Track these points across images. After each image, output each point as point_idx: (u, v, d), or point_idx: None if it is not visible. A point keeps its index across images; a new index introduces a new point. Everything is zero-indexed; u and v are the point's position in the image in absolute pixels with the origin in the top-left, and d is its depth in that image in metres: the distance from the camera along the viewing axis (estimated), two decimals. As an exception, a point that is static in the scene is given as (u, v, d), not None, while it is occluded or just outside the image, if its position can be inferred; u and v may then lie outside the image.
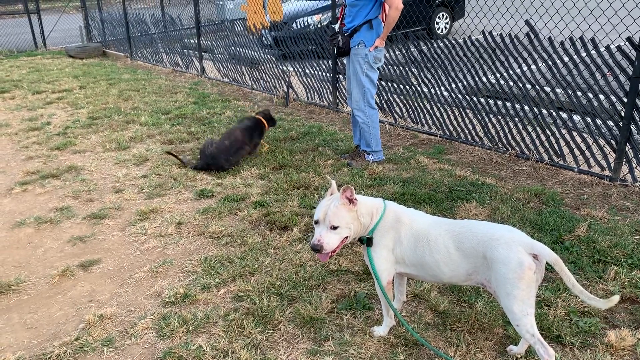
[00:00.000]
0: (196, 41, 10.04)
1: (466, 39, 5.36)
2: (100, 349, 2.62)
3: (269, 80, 8.42)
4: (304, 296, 2.92)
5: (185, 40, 10.95)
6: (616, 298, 2.15)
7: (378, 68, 4.83)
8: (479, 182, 4.50)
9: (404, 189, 4.29)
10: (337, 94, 7.15)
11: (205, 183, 4.73)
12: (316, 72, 7.46)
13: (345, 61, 5.07)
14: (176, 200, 4.38)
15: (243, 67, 8.95)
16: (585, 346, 2.48)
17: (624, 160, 4.35)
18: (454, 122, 5.66)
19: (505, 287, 2.15)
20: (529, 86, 4.94)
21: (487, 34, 5.11)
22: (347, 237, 2.39)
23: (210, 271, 3.23)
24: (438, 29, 12.04)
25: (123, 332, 2.74)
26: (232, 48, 9.21)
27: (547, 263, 2.18)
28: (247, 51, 8.89)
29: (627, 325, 2.61)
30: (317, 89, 7.53)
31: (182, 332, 2.69)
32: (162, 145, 5.85)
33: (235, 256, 3.39)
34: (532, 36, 4.72)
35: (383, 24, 4.66)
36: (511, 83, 5.08)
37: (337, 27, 4.91)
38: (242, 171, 4.96)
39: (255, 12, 8.29)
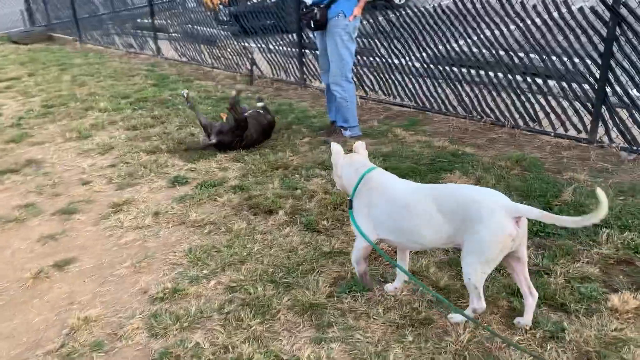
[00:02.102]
0: (150, 20, 9.60)
1: (436, 6, 5.26)
2: (89, 355, 2.44)
3: (230, 57, 8.14)
4: (300, 282, 2.81)
5: (138, 20, 10.46)
6: (604, 204, 2.02)
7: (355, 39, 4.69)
8: (459, 152, 4.46)
9: (385, 164, 4.20)
10: (304, 69, 6.96)
11: (177, 169, 4.51)
12: (281, 48, 7.24)
13: (316, 35, 4.88)
14: (149, 189, 4.16)
15: (201, 46, 8.61)
16: (590, 312, 2.46)
17: (600, 122, 4.38)
18: (427, 93, 5.58)
19: (480, 246, 2.19)
20: (502, 53, 4.90)
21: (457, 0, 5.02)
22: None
23: (197, 262, 3.07)
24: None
25: (112, 335, 2.57)
26: (188, 26, 8.85)
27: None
28: (203, 29, 8.55)
29: (627, 288, 2.61)
30: (283, 64, 7.32)
31: (176, 330, 2.54)
32: (126, 131, 5.56)
33: (222, 245, 3.23)
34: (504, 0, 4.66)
35: None
36: (484, 50, 5.03)
37: (308, 0, 4.65)
38: (215, 155, 4.76)
39: (212, -13, 7.95)
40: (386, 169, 3.51)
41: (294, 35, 6.94)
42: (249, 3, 8.99)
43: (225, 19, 8.74)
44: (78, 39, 11.98)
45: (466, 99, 5.28)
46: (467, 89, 5.26)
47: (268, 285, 2.80)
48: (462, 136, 4.93)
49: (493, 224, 2.14)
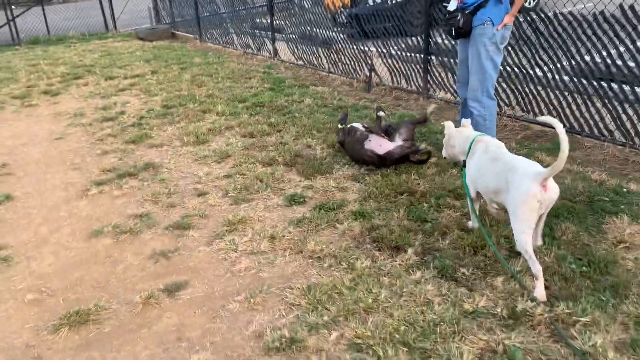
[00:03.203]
0: (268, 20, 9.51)
1: (597, 12, 4.50)
2: (196, 411, 2.16)
3: (347, 62, 7.77)
4: (439, 350, 2.34)
5: (257, 20, 10.45)
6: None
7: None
8: (623, 189, 3.73)
9: (532, 198, 3.59)
10: (429, 77, 6.42)
11: (293, 185, 4.21)
12: (403, 53, 6.74)
13: (458, 43, 4.36)
14: (265, 206, 3.89)
15: (319, 49, 8.33)
16: None
17: None
18: (576, 112, 4.83)
19: (513, 206, 2.69)
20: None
21: (625, 6, 4.25)
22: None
23: (317, 306, 2.70)
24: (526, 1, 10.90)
25: (221, 389, 2.27)
26: (305, 28, 8.60)
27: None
28: (321, 31, 8.26)
29: None
30: (405, 72, 6.82)
31: (294, 394, 2.18)
32: (243, 138, 5.38)
33: (343, 285, 2.84)
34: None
35: None
36: (657, 66, 4.22)
37: (451, 5, 4.16)
38: (333, 171, 4.40)
39: (334, -11, 7.61)
40: None
41: (419, 39, 6.40)
42: (370, 4, 8.58)
43: (344, 21, 8.39)
44: (198, 38, 12.28)
45: (627, 123, 4.48)
46: (630, 110, 4.46)
47: (400, 348, 2.36)
48: (621, 168, 4.17)
49: (522, 187, 2.62)
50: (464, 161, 3.23)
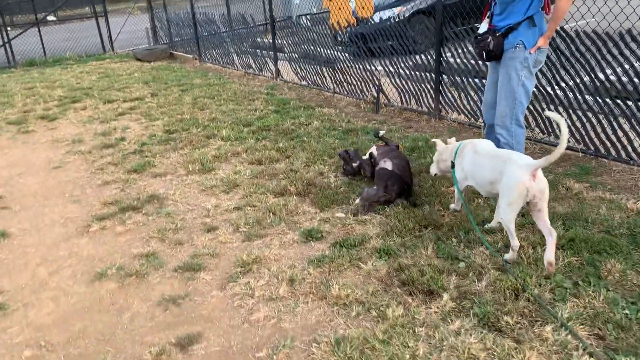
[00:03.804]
0: (270, 40, 9.31)
1: (623, 30, 4.30)
2: None
3: (354, 83, 7.56)
4: (494, 419, 2.07)
5: (258, 40, 10.26)
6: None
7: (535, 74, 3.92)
8: (664, 219, 3.49)
9: (570, 232, 3.33)
10: (441, 98, 6.20)
11: (309, 218, 3.95)
12: (412, 72, 6.53)
13: (489, 65, 4.12)
14: (280, 243, 3.62)
15: (323, 69, 8.12)
16: None
17: None
18: (602, 135, 4.61)
19: (503, 191, 3.04)
20: None
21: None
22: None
23: (349, 364, 2.43)
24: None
25: None
26: (307, 47, 8.38)
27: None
28: (320, 49, 8.04)
29: None
30: (414, 92, 6.61)
31: None
32: (251, 165, 5.13)
33: (375, 338, 2.57)
34: None
35: (545, 18, 3.73)
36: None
37: (482, 27, 3.95)
38: (350, 202, 4.14)
39: (340, 8, 7.43)
40: (572, 241, 3.25)
41: (430, 58, 6.19)
42: (371, 23, 8.39)
43: (344, 39, 8.16)
44: (198, 58, 12.08)
45: (658, 146, 4.26)
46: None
47: (450, 418, 2.09)
48: (656, 194, 3.93)
49: (512, 175, 2.97)
50: (453, 162, 3.64)
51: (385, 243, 3.46)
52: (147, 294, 3.20)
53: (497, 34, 3.76)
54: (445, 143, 3.88)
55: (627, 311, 2.61)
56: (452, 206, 3.85)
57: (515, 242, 3.04)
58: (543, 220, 3.01)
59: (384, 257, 3.30)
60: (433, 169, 3.98)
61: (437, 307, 2.77)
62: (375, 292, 2.96)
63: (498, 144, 3.96)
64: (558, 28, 4.55)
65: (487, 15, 3.94)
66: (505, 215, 3.02)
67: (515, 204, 2.97)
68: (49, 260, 3.74)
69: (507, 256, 3.11)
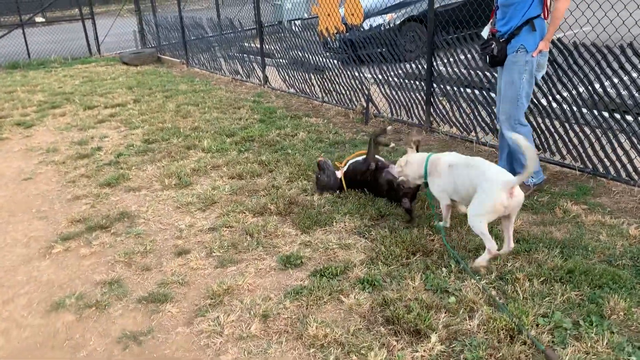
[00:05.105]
0: (258, 45, 9.03)
1: (624, 43, 4.07)
2: None
3: (342, 92, 7.29)
4: None
5: (245, 44, 9.98)
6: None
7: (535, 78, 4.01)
8: (670, 248, 3.24)
9: (567, 262, 3.08)
10: (432, 110, 5.95)
11: (289, 242, 3.67)
12: (402, 81, 6.26)
13: (498, 72, 4.19)
14: (256, 270, 3.34)
15: (312, 78, 7.84)
16: None
17: None
18: (600, 152, 4.37)
19: (479, 206, 3.04)
20: None
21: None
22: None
23: (323, 421, 2.15)
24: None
25: None
26: (296, 52, 8.11)
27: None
28: (308, 55, 7.76)
29: None
30: (405, 102, 6.35)
31: None
32: (231, 180, 4.84)
33: (355, 388, 2.30)
34: None
35: (546, 22, 3.73)
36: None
37: (485, 33, 4.07)
38: (333, 223, 3.87)
39: (329, 15, 7.17)
40: (571, 272, 2.96)
41: (420, 66, 5.92)
42: (361, 30, 8.14)
43: (334, 46, 7.89)
44: (185, 62, 11.78)
45: (660, 166, 4.02)
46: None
47: None
48: (659, 218, 3.69)
49: (491, 194, 2.98)
50: (426, 182, 3.58)
51: (370, 272, 3.18)
52: (106, 329, 2.91)
53: (501, 40, 3.86)
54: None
55: (633, 358, 2.36)
56: (440, 223, 3.66)
57: (492, 244, 3.04)
58: (508, 229, 3.10)
59: (368, 289, 3.03)
60: (399, 172, 3.76)
61: (425, 351, 2.50)
62: (357, 332, 2.68)
63: (506, 146, 4.20)
64: (555, 39, 4.32)
65: (491, 22, 4.04)
66: (477, 224, 3.06)
67: (490, 218, 3.03)
68: (5, 286, 3.45)
69: (478, 260, 3.11)
